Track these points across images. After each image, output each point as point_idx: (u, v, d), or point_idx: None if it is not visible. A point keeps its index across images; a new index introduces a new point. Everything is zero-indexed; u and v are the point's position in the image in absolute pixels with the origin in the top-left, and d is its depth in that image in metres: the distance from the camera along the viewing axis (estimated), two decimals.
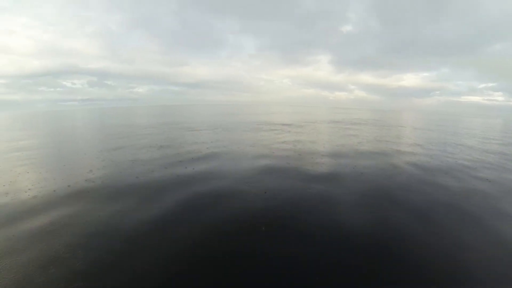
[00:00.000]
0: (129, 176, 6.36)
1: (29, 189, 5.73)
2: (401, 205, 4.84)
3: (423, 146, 11.70)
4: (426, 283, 2.90)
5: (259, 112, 45.01)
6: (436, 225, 4.16)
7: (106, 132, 16.19)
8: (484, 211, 4.75)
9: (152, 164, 7.56)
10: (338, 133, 15.64)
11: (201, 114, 36.34)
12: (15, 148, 10.87)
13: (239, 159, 8.17)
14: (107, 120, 29.51)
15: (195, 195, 5.13)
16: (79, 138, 13.67)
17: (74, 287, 2.66)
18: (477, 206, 4.96)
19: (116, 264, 3.13)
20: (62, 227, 3.97)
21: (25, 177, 6.60)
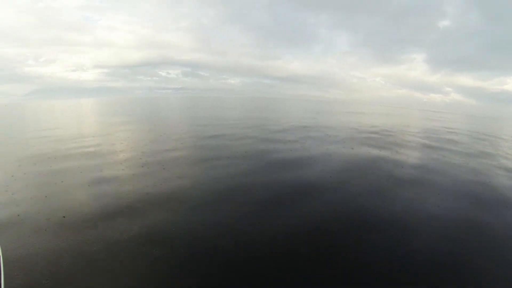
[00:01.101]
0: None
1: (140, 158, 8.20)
2: None
3: None
4: None
5: (353, 110, 43.04)
6: None
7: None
8: None
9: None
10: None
11: (296, 110, 35.69)
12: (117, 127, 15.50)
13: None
14: (199, 108, 33.26)
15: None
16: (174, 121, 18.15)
17: None
18: None
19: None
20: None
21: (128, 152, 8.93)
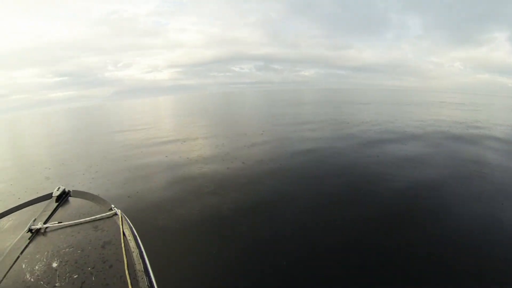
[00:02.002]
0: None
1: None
2: None
3: None
4: None
5: (439, 100, 34.39)
6: None
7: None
8: None
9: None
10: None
11: (383, 102, 28.31)
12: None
13: None
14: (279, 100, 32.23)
15: None
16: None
17: None
18: None
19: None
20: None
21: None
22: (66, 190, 1.87)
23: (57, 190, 1.80)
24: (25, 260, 1.19)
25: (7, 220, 1.63)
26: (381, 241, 3.10)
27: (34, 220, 1.45)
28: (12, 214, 1.70)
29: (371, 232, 3.30)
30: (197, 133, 10.88)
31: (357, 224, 3.47)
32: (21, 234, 1.37)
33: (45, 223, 1.46)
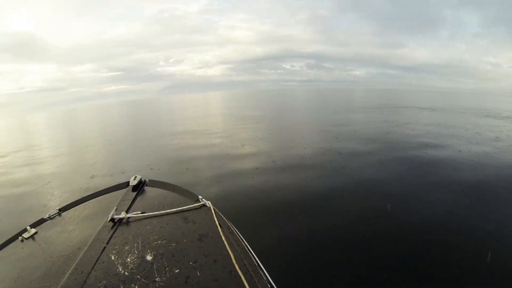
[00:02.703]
0: None
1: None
2: None
3: None
4: None
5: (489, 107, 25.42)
6: None
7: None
8: None
9: None
10: None
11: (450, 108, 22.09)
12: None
13: None
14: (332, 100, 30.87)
15: None
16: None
17: None
18: None
19: None
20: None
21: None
22: (143, 179, 1.80)
23: (134, 179, 1.74)
24: (113, 252, 1.11)
25: (84, 208, 1.61)
26: None
27: (116, 210, 1.38)
28: (88, 202, 1.68)
29: None
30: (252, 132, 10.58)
31: None
32: (103, 223, 1.31)
33: (126, 212, 1.37)
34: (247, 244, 1.17)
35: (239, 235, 1.20)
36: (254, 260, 1.05)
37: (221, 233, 1.18)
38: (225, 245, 1.10)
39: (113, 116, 32.42)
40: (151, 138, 11.09)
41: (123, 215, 1.33)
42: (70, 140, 14.03)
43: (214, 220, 1.28)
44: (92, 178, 5.79)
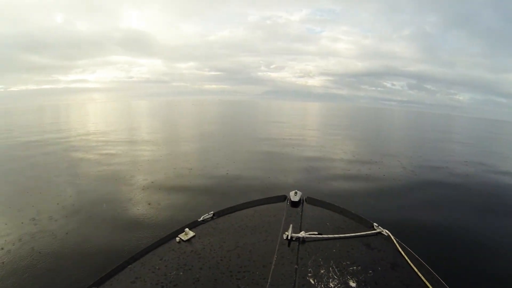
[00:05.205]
0: None
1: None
2: None
3: None
4: None
5: None
6: None
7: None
8: None
9: None
10: None
11: None
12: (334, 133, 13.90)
13: None
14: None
15: None
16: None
17: None
18: None
19: None
20: None
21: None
22: (303, 196, 1.72)
23: (295, 195, 1.66)
24: (309, 274, 1.04)
25: (239, 216, 1.56)
26: None
27: (290, 227, 1.29)
28: (243, 211, 1.65)
29: None
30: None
31: None
32: (279, 240, 1.25)
33: (298, 231, 1.29)
34: (438, 277, 1.07)
35: (426, 267, 1.12)
36: None
37: (410, 263, 1.12)
38: (419, 276, 1.05)
39: (212, 112, 35.80)
40: (248, 138, 11.36)
41: (302, 234, 1.26)
42: (171, 129, 15.91)
43: (398, 248, 1.22)
44: (190, 170, 5.94)
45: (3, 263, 2.61)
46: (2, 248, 2.82)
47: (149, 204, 4.01)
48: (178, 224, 1.43)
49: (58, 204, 3.99)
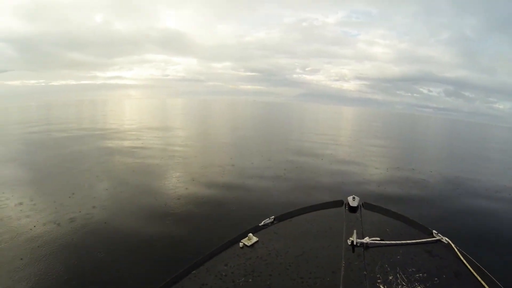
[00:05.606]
0: None
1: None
2: None
3: None
4: None
5: None
6: None
7: None
8: None
9: None
10: None
11: None
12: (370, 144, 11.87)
13: None
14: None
15: None
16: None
17: None
18: None
19: None
20: None
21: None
22: (361, 201, 1.69)
23: (353, 200, 1.64)
24: (378, 281, 1.04)
25: (300, 221, 1.56)
26: None
27: (354, 233, 1.29)
28: (303, 215, 1.63)
29: None
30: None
31: None
32: (344, 246, 1.24)
33: (361, 236, 1.29)
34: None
35: (491, 276, 1.09)
36: None
37: (474, 272, 1.10)
38: (483, 286, 1.03)
39: (246, 112, 35.62)
40: (283, 139, 11.30)
41: (366, 239, 1.26)
42: (209, 127, 16.44)
43: (459, 256, 1.21)
44: (232, 166, 6.16)
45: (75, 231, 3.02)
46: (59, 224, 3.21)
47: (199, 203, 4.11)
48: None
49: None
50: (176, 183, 4.93)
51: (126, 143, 8.97)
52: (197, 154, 7.76)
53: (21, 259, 2.55)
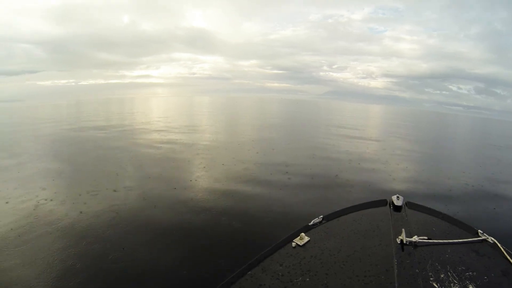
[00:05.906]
0: None
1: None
2: None
3: None
4: None
5: None
6: None
7: None
8: None
9: None
10: None
11: None
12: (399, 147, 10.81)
13: None
14: None
15: None
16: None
17: None
18: None
19: None
20: None
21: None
22: (404, 201, 1.71)
23: (397, 199, 1.68)
24: (431, 279, 1.07)
25: (347, 220, 1.59)
26: None
27: (403, 232, 1.31)
28: (350, 214, 1.66)
29: None
30: None
31: None
32: (395, 245, 1.27)
33: (409, 235, 1.31)
34: None
35: None
36: None
37: None
38: None
39: (280, 109, 35.61)
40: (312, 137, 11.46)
41: (415, 238, 1.29)
42: (243, 123, 16.70)
43: (506, 256, 1.22)
44: (255, 164, 6.49)
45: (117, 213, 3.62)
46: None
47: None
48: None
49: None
50: (223, 180, 5.20)
51: (174, 137, 9.70)
52: (235, 150, 8.09)
53: (84, 241, 2.92)
